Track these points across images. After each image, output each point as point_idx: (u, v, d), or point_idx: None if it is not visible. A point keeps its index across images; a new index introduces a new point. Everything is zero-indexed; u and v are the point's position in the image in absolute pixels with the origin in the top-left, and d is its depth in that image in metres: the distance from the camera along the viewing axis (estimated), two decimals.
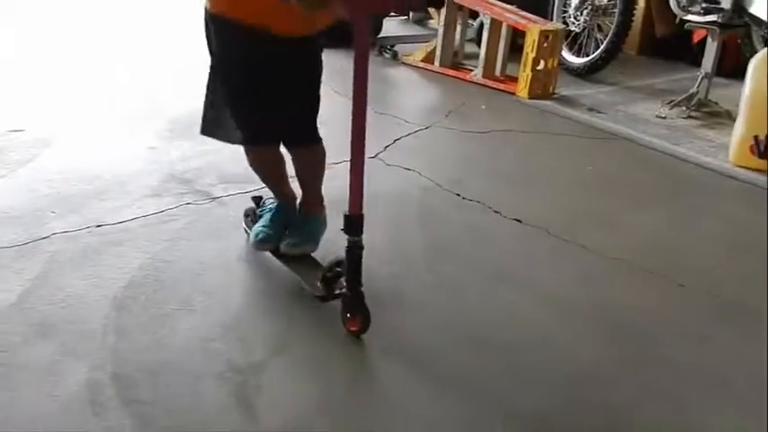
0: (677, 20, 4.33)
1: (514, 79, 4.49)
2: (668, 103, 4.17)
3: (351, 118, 1.82)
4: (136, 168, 2.94)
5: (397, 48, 5.32)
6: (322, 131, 2.22)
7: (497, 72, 4.72)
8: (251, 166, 2.26)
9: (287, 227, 2.30)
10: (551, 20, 4.93)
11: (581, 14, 4.86)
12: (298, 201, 2.37)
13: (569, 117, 4.06)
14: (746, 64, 3.49)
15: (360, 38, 1.76)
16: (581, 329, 2.05)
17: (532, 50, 4.26)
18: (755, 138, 3.28)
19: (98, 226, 2.43)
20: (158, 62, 4.90)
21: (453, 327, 2.02)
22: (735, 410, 1.76)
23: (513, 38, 4.68)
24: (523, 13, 4.55)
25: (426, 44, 5.11)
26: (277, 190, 2.36)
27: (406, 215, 2.69)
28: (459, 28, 5.01)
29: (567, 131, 3.85)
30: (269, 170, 2.29)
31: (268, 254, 2.28)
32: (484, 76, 4.63)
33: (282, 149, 2.24)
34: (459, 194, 2.87)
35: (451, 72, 4.85)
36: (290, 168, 2.30)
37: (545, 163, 3.39)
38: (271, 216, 2.32)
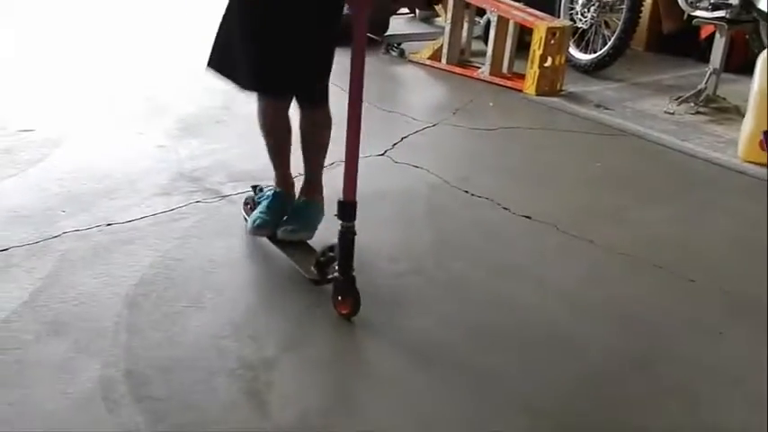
0: (685, 16, 4.31)
1: (522, 76, 4.48)
2: (676, 99, 4.16)
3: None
4: (145, 167, 2.95)
5: (403, 46, 5.31)
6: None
7: (504, 69, 4.71)
8: (261, 127, 2.31)
9: (284, 214, 2.34)
10: (558, 17, 4.92)
11: (588, 11, 4.85)
12: (297, 190, 2.41)
13: (577, 114, 4.06)
14: (755, 59, 3.48)
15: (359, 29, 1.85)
16: (591, 325, 2.06)
17: (540, 47, 4.25)
18: (764, 133, 3.28)
19: (108, 224, 2.44)
20: (164, 61, 4.90)
21: (462, 323, 2.02)
22: (747, 407, 1.75)
23: (520, 35, 4.68)
24: (530, 10, 4.54)
25: (433, 42, 5.11)
26: (278, 169, 2.40)
27: (415, 212, 2.69)
28: (465, 25, 4.99)
29: (574, 128, 3.84)
30: (276, 134, 2.33)
31: (277, 251, 2.29)
32: (491, 74, 4.62)
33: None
34: (467, 191, 2.87)
35: (458, 69, 4.85)
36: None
37: (553, 159, 3.39)
38: (268, 203, 2.37)
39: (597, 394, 1.78)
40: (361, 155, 2.02)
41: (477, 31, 5.34)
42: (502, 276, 2.28)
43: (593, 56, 4.85)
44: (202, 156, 3.11)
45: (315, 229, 2.30)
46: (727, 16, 3.95)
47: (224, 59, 2.19)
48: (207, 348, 1.82)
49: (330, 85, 2.20)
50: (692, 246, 2.57)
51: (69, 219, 2.47)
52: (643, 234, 2.62)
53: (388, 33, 5.56)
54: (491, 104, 4.19)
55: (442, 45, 4.94)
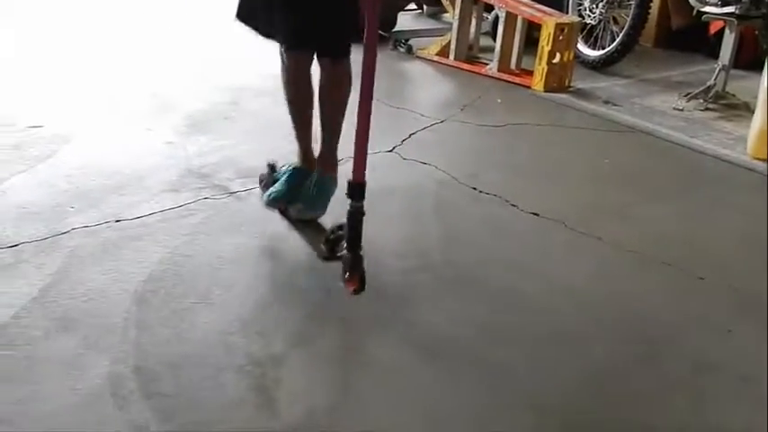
0: (694, 11, 4.29)
1: (530, 72, 4.48)
2: (685, 96, 4.15)
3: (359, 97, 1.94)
4: (154, 163, 2.95)
5: (411, 42, 5.30)
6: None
7: (513, 65, 4.71)
8: (284, 86, 2.44)
9: (300, 190, 2.43)
10: (567, 12, 4.91)
11: (597, 7, 4.84)
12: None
13: (585, 110, 4.05)
14: (764, 55, 3.48)
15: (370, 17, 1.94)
16: (599, 322, 2.05)
17: (548, 43, 4.24)
18: None
19: (117, 221, 2.45)
20: (171, 57, 4.91)
21: (470, 320, 2.02)
22: (755, 406, 1.75)
23: (528, 31, 4.67)
24: (539, 6, 4.54)
25: (441, 38, 5.10)
26: (301, 141, 2.50)
27: (423, 209, 2.69)
28: (473, 21, 4.99)
29: (582, 125, 3.84)
30: (297, 93, 2.43)
31: (285, 247, 2.31)
32: (499, 70, 4.62)
33: None
34: (475, 188, 2.86)
35: (466, 66, 4.84)
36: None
37: (561, 156, 3.38)
38: (286, 178, 2.48)
39: (604, 391, 1.78)
40: (369, 151, 2.04)
41: (486, 27, 5.33)
42: (510, 273, 2.28)
43: (602, 52, 4.85)
44: (210, 152, 3.11)
45: (326, 206, 2.35)
46: (737, 12, 3.93)
47: (249, 11, 2.37)
48: (215, 345, 1.82)
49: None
50: (700, 243, 2.56)
51: (78, 215, 2.47)
52: (651, 231, 2.62)
53: (395, 29, 5.56)
54: (499, 101, 4.19)
55: (449, 41, 4.93)
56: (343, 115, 2.39)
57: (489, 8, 5.18)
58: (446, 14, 6.05)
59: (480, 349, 1.90)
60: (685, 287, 2.26)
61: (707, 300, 2.20)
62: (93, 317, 1.91)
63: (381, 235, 2.27)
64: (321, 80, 2.38)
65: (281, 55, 2.41)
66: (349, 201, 2.04)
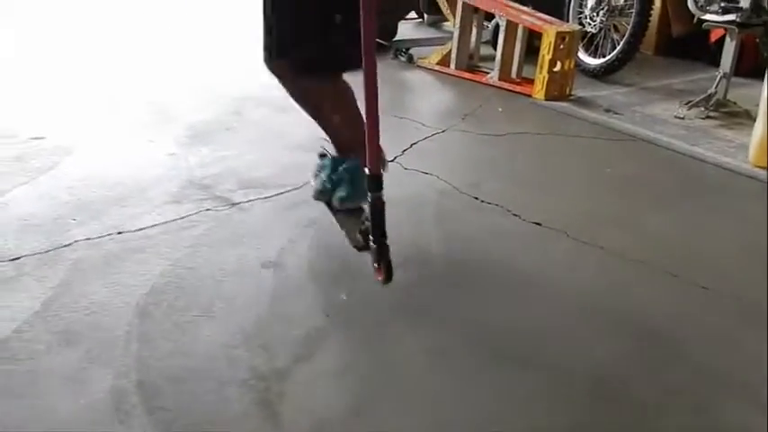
0: (694, 19, 4.30)
1: (531, 81, 4.48)
2: (686, 104, 4.15)
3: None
4: (155, 175, 2.95)
5: (412, 51, 5.32)
6: None
7: (513, 74, 4.71)
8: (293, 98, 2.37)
9: (339, 181, 2.42)
10: (567, 21, 4.92)
11: (597, 15, 4.85)
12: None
13: (586, 118, 4.05)
14: (765, 63, 3.48)
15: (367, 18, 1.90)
16: (603, 332, 2.04)
17: (549, 52, 4.25)
18: None
19: (119, 233, 2.45)
20: (173, 68, 4.92)
21: (473, 331, 2.01)
22: (761, 415, 1.74)
23: (528, 40, 4.68)
24: (539, 15, 4.54)
25: (442, 47, 5.11)
26: (331, 138, 2.46)
27: (425, 219, 2.69)
28: (474, 30, 5.00)
29: (584, 133, 3.84)
30: (302, 101, 2.36)
31: (289, 259, 2.30)
32: (500, 79, 4.62)
33: None
34: (477, 198, 2.86)
35: (467, 75, 4.85)
36: None
37: (563, 165, 3.38)
38: (326, 171, 2.45)
39: (608, 400, 1.77)
40: None
41: (486, 35, 5.34)
42: (513, 283, 2.27)
43: (603, 60, 4.85)
44: (212, 163, 3.11)
45: (365, 193, 2.30)
46: (738, 20, 3.93)
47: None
48: (218, 358, 1.82)
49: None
50: (702, 252, 2.56)
51: (80, 227, 2.47)
52: (653, 240, 2.61)
53: (396, 39, 5.57)
54: (500, 110, 4.19)
55: (450, 50, 4.95)
56: (352, 117, 2.32)
57: (490, 17, 5.20)
58: (447, 23, 6.08)
59: (485, 360, 1.89)
60: (688, 296, 2.25)
61: (710, 309, 2.19)
62: (96, 330, 1.90)
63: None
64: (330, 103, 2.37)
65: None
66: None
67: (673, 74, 5.19)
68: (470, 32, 4.96)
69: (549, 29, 4.27)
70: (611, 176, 3.25)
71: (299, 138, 3.44)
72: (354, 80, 2.13)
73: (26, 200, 2.68)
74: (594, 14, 4.88)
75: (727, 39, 4.07)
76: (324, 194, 2.46)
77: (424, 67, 5.11)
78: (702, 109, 4.10)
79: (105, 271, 2.20)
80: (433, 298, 2.18)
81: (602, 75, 4.85)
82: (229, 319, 1.99)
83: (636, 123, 3.96)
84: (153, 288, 2.12)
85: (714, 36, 5.14)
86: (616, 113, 4.13)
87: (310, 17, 2.14)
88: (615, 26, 4.91)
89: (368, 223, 2.15)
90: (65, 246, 2.34)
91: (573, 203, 2.91)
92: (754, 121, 3.47)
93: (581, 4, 5.02)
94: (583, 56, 4.92)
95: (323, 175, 2.48)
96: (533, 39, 4.67)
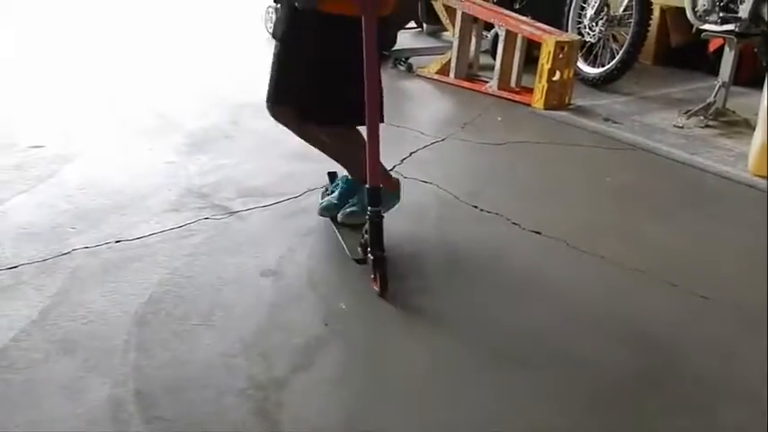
0: (693, 29, 4.31)
1: (530, 90, 4.49)
2: (685, 113, 4.15)
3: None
4: (154, 183, 2.95)
5: (411, 60, 5.33)
6: None
7: (513, 83, 4.72)
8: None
9: (349, 200, 2.60)
10: (566, 30, 4.93)
11: (596, 25, 4.86)
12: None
13: (585, 128, 4.05)
14: (764, 72, 3.47)
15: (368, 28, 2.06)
16: (603, 342, 2.03)
17: (548, 61, 4.25)
18: None
19: (118, 241, 2.44)
20: (172, 76, 4.93)
21: (472, 341, 2.01)
22: (761, 422, 1.73)
23: (527, 49, 4.68)
24: (538, 25, 4.55)
25: (441, 56, 5.12)
26: (334, 159, 2.62)
27: (425, 228, 2.69)
28: (473, 40, 5.01)
29: (583, 142, 3.83)
30: (309, 141, 2.55)
31: (287, 267, 2.30)
32: (499, 88, 4.63)
33: None
34: (476, 206, 2.86)
35: (467, 84, 4.86)
36: None
37: (562, 174, 3.38)
38: (341, 191, 2.63)
39: (609, 411, 1.76)
40: None
41: (485, 45, 5.35)
42: (512, 293, 2.27)
43: (602, 69, 4.86)
44: (211, 171, 3.11)
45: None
46: (736, 30, 3.94)
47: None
48: (216, 367, 1.81)
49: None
50: (702, 261, 2.55)
51: (79, 235, 2.47)
52: (653, 249, 2.60)
53: (395, 48, 5.58)
54: (499, 119, 4.19)
55: (450, 59, 4.96)
56: (354, 157, 2.45)
57: (489, 26, 5.20)
58: (446, 33, 6.08)
59: (482, 370, 1.88)
60: (687, 305, 2.24)
61: (711, 319, 2.19)
62: (94, 339, 1.89)
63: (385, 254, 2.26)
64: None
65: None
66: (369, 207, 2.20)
67: (671, 83, 5.20)
68: (470, 42, 4.97)
69: (549, 38, 4.27)
70: (611, 185, 3.24)
71: (298, 147, 3.41)
72: None
73: (25, 208, 2.67)
74: (593, 24, 4.89)
75: (726, 48, 4.07)
76: (329, 211, 2.60)
77: (424, 77, 5.11)
78: (701, 118, 4.10)
79: (103, 279, 2.20)
80: (433, 306, 2.17)
81: (601, 84, 4.86)
82: (228, 327, 1.98)
83: (635, 132, 3.96)
84: (151, 297, 2.11)
85: (712, 46, 5.15)
86: (615, 122, 4.13)
87: (321, 77, 2.29)
88: (614, 36, 4.92)
89: (367, 236, 2.22)
90: (63, 254, 2.33)
91: (572, 212, 2.90)
92: (754, 129, 3.47)
93: (580, 14, 5.03)
94: (582, 65, 4.93)
95: (334, 194, 2.64)
96: (532, 48, 4.68)
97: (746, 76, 4.71)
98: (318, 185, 2.87)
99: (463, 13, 4.81)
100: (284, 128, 2.51)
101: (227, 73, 5.08)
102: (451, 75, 4.93)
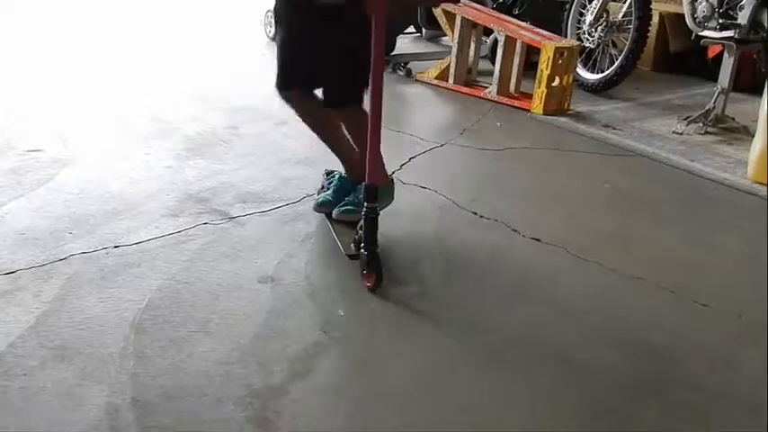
0: (692, 35, 4.30)
1: (529, 96, 4.48)
2: (685, 119, 4.14)
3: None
4: (152, 188, 2.94)
5: (410, 65, 5.32)
6: None
7: (512, 89, 4.71)
8: (312, 129, 2.59)
9: (345, 198, 2.64)
10: (566, 36, 4.93)
11: (595, 31, 4.86)
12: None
13: (584, 134, 4.04)
14: (763, 78, 3.47)
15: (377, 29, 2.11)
16: (602, 350, 2.03)
17: (547, 67, 4.25)
18: None
19: (115, 247, 2.43)
20: (171, 81, 4.92)
21: (472, 349, 2.00)
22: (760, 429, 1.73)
23: (527, 55, 4.68)
24: (538, 30, 4.55)
25: (440, 61, 5.12)
26: (342, 160, 2.67)
27: (424, 234, 2.68)
28: (473, 45, 5.00)
29: (582, 148, 3.83)
30: (311, 126, 2.57)
31: (286, 274, 2.29)
32: (498, 93, 4.62)
33: None
34: (475, 213, 2.85)
35: (466, 89, 4.85)
36: None
37: (561, 180, 3.37)
38: (335, 188, 2.68)
39: (608, 416, 1.75)
40: None
41: (484, 50, 5.35)
42: (511, 300, 2.26)
43: (601, 75, 4.86)
44: (210, 176, 3.10)
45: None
46: (736, 36, 3.93)
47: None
48: (214, 375, 1.80)
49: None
50: (702, 268, 2.54)
51: (76, 241, 2.46)
52: (652, 256, 2.60)
53: (394, 53, 5.57)
54: (498, 124, 4.19)
55: (449, 65, 4.95)
56: (362, 140, 2.39)
57: (488, 32, 5.19)
58: (445, 38, 6.07)
59: (483, 379, 1.87)
60: (688, 314, 2.23)
61: (711, 327, 2.18)
62: (91, 346, 1.88)
63: (383, 261, 2.25)
64: (345, 130, 2.55)
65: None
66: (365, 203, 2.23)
67: (671, 89, 5.20)
68: (469, 47, 4.97)
69: (548, 44, 4.27)
70: (610, 192, 3.24)
71: (297, 152, 3.44)
72: None
73: (22, 213, 2.66)
74: (593, 30, 4.89)
75: (726, 55, 4.07)
76: (325, 207, 2.63)
77: (423, 82, 5.11)
78: (701, 124, 4.09)
79: (101, 285, 2.19)
80: (431, 313, 2.16)
81: (600, 90, 4.86)
82: (226, 335, 1.97)
83: (634, 138, 3.95)
84: (149, 303, 2.10)
85: (711, 52, 5.14)
86: (614, 128, 4.13)
87: (323, 54, 2.31)
88: (613, 42, 4.92)
89: (361, 232, 2.25)
90: (60, 259, 2.32)
91: (572, 219, 2.90)
92: (753, 136, 3.47)
93: (579, 20, 5.03)
94: (581, 71, 4.93)
95: (329, 191, 2.66)
96: (531, 54, 4.68)
97: (745, 83, 4.71)
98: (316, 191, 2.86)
99: (462, 18, 4.80)
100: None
101: (226, 77, 5.07)
102: (451, 80, 4.92)
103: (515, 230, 2.71)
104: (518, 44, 4.60)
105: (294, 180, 3.07)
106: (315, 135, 2.61)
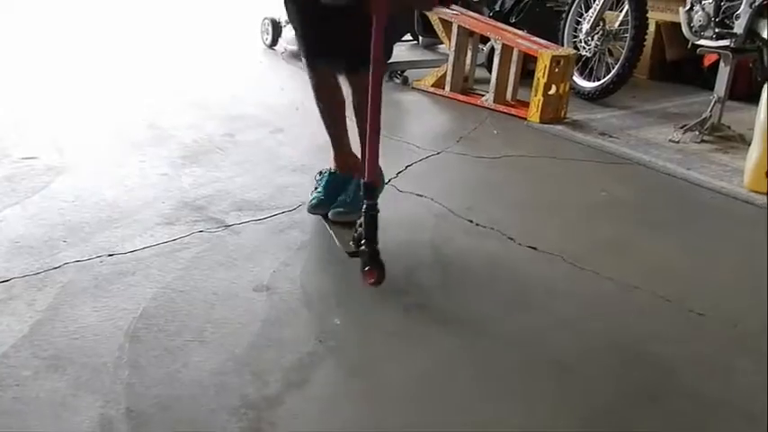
0: (689, 44, 4.31)
1: (526, 104, 4.48)
2: (681, 128, 4.15)
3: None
4: (148, 195, 2.93)
5: (407, 73, 5.32)
6: None
7: (508, 97, 4.71)
8: (315, 97, 2.63)
9: (340, 193, 2.65)
10: (562, 45, 4.94)
11: (592, 39, 4.87)
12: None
13: (581, 142, 4.05)
14: (759, 87, 3.47)
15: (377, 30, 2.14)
16: (598, 358, 2.02)
17: (544, 75, 4.25)
18: None
19: (110, 255, 2.42)
20: (167, 88, 4.91)
21: (469, 359, 1.99)
22: None
23: (523, 63, 4.68)
24: (534, 39, 4.56)
25: (437, 69, 5.12)
26: (336, 149, 2.69)
27: (420, 242, 2.67)
28: (469, 53, 5.01)
29: (579, 156, 3.83)
30: (323, 102, 2.62)
31: (281, 283, 2.28)
32: (495, 101, 4.62)
33: None
34: (472, 221, 2.84)
35: (462, 97, 4.85)
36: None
37: (558, 188, 3.37)
38: (324, 184, 2.69)
39: (603, 425, 1.74)
40: None
41: (481, 58, 5.35)
42: (508, 308, 2.25)
43: (597, 84, 4.86)
44: (206, 184, 3.09)
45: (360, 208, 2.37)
46: (732, 45, 3.94)
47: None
48: (208, 386, 1.78)
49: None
50: (699, 277, 2.54)
51: (70, 249, 2.44)
52: (649, 265, 2.59)
53: (391, 61, 5.56)
54: (495, 132, 4.19)
55: (445, 72, 4.95)
56: (363, 128, 2.42)
57: (485, 40, 5.20)
58: (442, 46, 6.07)
59: (478, 386, 1.86)
60: (685, 323, 2.23)
61: (707, 336, 2.17)
62: (85, 356, 1.87)
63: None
64: (353, 98, 2.53)
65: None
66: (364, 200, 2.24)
67: (667, 98, 5.20)
68: (466, 55, 4.97)
69: (545, 52, 4.27)
70: (607, 200, 3.23)
71: (293, 159, 3.43)
72: None
73: (16, 221, 2.65)
74: (589, 38, 4.89)
75: (722, 64, 4.07)
76: (318, 208, 2.64)
77: (419, 89, 5.11)
78: (697, 133, 4.09)
79: (95, 294, 2.17)
80: (427, 321, 2.16)
81: (596, 98, 4.86)
82: (221, 344, 1.96)
83: (631, 147, 3.95)
84: (144, 312, 2.09)
85: (707, 61, 5.15)
86: (611, 137, 4.13)
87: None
88: (610, 50, 4.93)
89: (361, 230, 2.25)
90: (55, 268, 2.31)
91: (568, 227, 2.89)
92: (749, 145, 3.47)
93: (576, 29, 5.04)
94: (578, 79, 4.93)
95: (320, 189, 2.67)
96: (528, 62, 4.68)
97: (741, 92, 4.71)
98: None
99: (459, 26, 4.81)
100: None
101: (223, 84, 5.06)
102: (447, 88, 4.92)
103: (511, 238, 2.71)
104: (515, 52, 4.60)
105: (290, 188, 3.07)
106: (318, 122, 2.65)
